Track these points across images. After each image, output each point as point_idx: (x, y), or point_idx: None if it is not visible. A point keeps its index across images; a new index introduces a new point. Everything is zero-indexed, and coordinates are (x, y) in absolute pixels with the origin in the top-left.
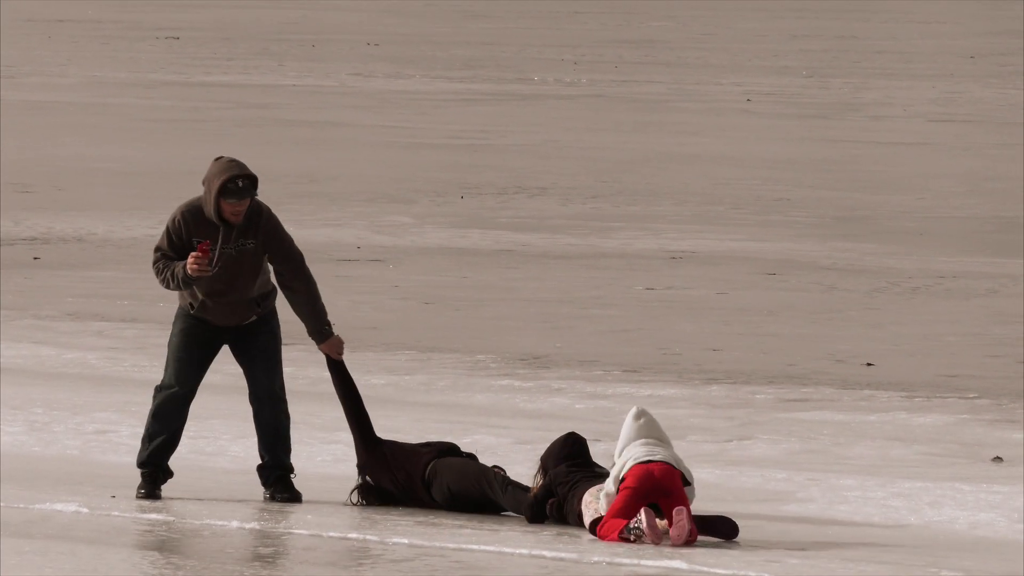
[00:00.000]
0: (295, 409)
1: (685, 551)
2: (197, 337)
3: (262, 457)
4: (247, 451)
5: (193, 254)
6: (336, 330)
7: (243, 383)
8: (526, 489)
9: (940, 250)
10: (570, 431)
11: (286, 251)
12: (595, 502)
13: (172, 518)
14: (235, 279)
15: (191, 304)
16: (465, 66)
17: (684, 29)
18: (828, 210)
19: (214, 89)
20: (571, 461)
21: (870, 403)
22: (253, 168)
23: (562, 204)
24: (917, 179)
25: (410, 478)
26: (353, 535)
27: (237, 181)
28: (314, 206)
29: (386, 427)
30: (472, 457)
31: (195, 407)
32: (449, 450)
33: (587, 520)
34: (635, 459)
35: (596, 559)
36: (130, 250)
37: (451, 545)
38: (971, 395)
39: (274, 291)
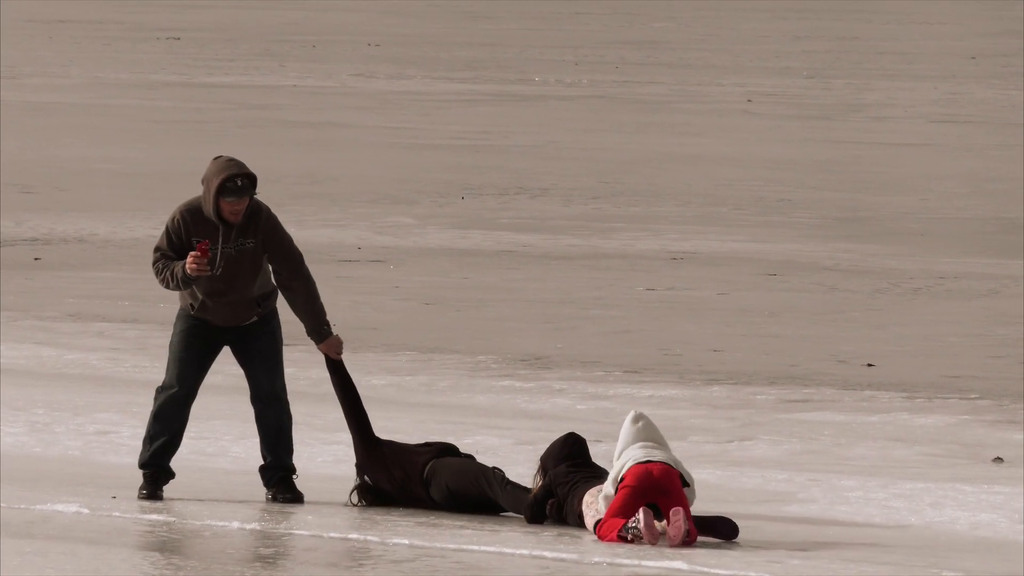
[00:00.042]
0: (296, 410)
1: (686, 552)
2: (198, 338)
3: (264, 458)
4: (248, 452)
5: (192, 253)
6: (337, 331)
7: (244, 384)
8: (526, 489)
9: (942, 251)
10: (570, 431)
11: (285, 250)
12: (596, 503)
13: (173, 519)
14: (235, 279)
15: (192, 305)
16: (467, 67)
17: (686, 30)
18: (830, 211)
19: (216, 90)
20: (571, 461)
21: (871, 404)
22: (254, 168)
23: (564, 205)
24: (919, 180)
25: (408, 478)
26: (354, 536)
27: (236, 180)
28: (315, 207)
29: (387, 428)
30: (470, 458)
31: (196, 408)
32: (448, 450)
33: (588, 521)
34: (634, 460)
35: (597, 559)
36: (131, 251)
37: (452, 546)
38: (972, 396)
39: (275, 291)
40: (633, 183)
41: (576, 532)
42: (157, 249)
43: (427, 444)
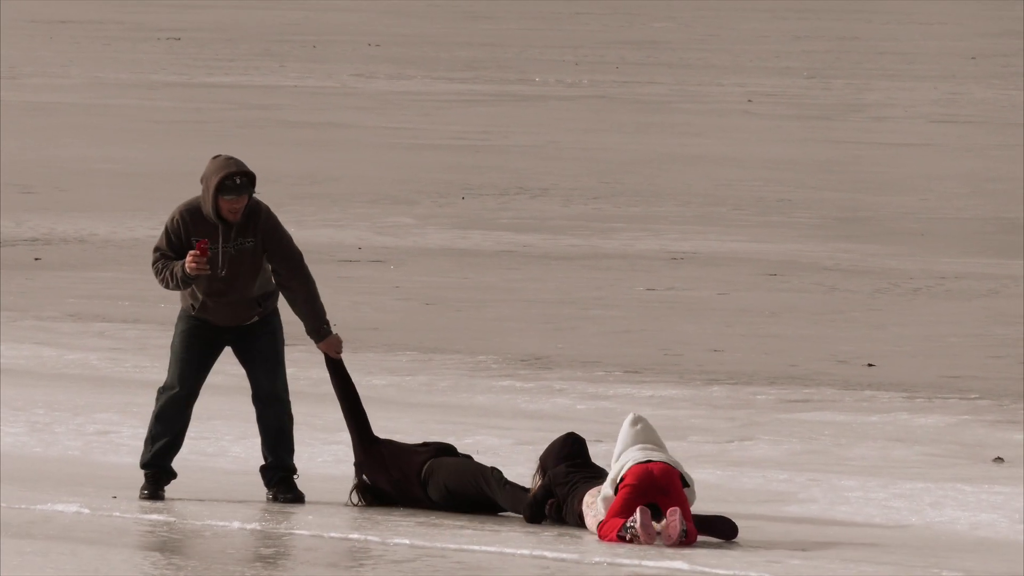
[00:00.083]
0: (296, 410)
1: (686, 551)
2: (199, 338)
3: (265, 458)
4: (248, 452)
5: (191, 252)
6: (337, 330)
7: (244, 384)
8: (524, 489)
9: (942, 251)
10: (569, 431)
11: (284, 249)
12: (595, 503)
13: (173, 519)
14: (235, 279)
15: (192, 305)
16: (467, 67)
17: (686, 30)
18: (830, 211)
19: (216, 90)
20: (570, 461)
21: (871, 404)
22: (254, 168)
23: (564, 205)
24: (919, 180)
25: (406, 477)
26: (354, 536)
27: (235, 178)
28: (315, 207)
29: (388, 428)
30: (468, 457)
31: (196, 408)
32: (445, 450)
33: (589, 521)
34: (634, 460)
35: (597, 560)
36: (132, 251)
37: (452, 546)
38: (972, 396)
39: (276, 292)
40: (633, 183)
41: (576, 532)
42: (157, 249)
43: (425, 444)
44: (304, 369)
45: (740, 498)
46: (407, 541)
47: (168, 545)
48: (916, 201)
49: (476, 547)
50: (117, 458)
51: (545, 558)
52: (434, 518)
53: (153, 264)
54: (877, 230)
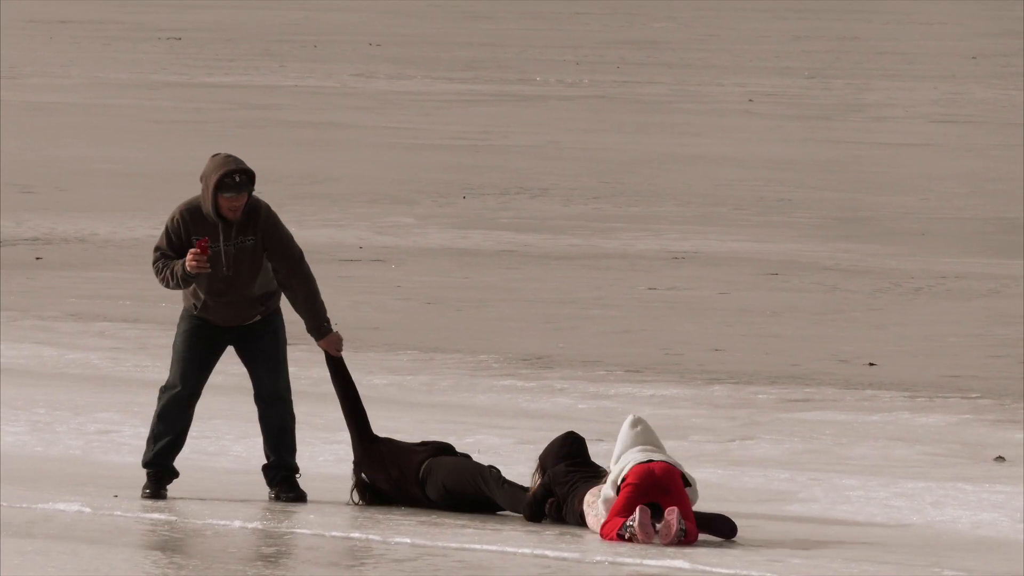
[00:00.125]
0: (297, 409)
1: (688, 550)
2: (201, 338)
3: (267, 457)
4: (249, 451)
5: (192, 251)
6: (338, 329)
7: (245, 383)
8: (523, 488)
9: (942, 251)
10: (569, 430)
11: (284, 247)
12: (597, 501)
13: (175, 518)
14: (235, 277)
15: (194, 305)
16: (467, 67)
17: (686, 30)
18: (830, 211)
19: (216, 90)
20: (570, 461)
21: (872, 403)
22: (255, 168)
23: (564, 205)
24: (919, 180)
25: (404, 476)
26: (355, 535)
27: (234, 176)
28: (316, 207)
29: (389, 428)
30: (467, 457)
31: (198, 407)
32: (443, 449)
33: (590, 521)
34: (635, 461)
35: (599, 559)
36: (132, 251)
37: (453, 545)
38: (973, 395)
39: (278, 291)
40: (634, 183)
41: (577, 531)
42: (157, 248)
43: (423, 443)
44: (305, 368)
45: (741, 497)
46: (408, 540)
47: (169, 544)
48: (916, 201)
49: (477, 546)
50: (118, 457)
51: (547, 557)
52: (435, 517)
53: (154, 263)
54: (877, 230)
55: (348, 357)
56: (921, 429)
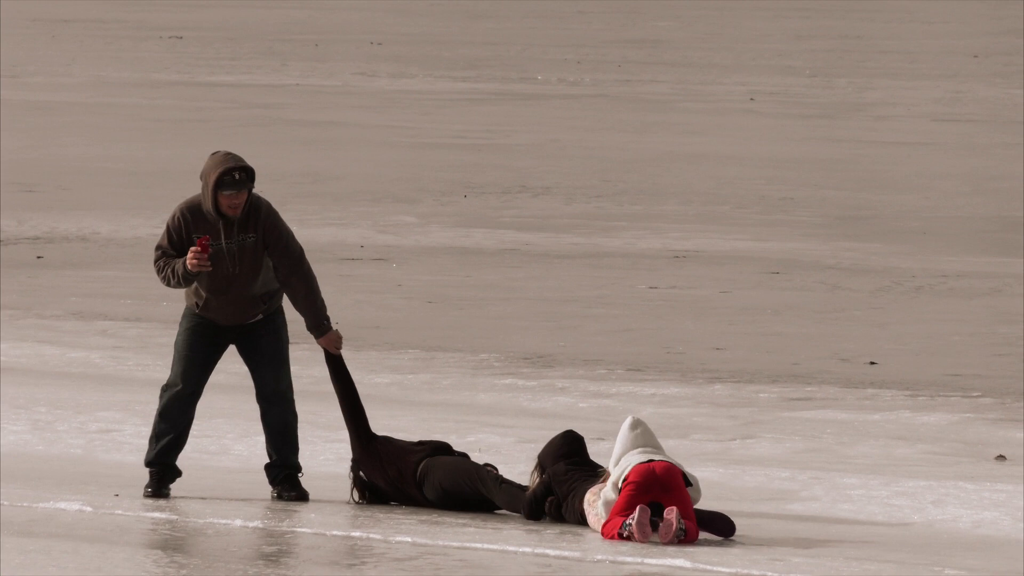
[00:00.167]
0: (298, 408)
1: (689, 549)
2: (202, 336)
3: (270, 456)
4: (250, 450)
5: (192, 249)
6: (339, 328)
7: (246, 382)
8: (521, 487)
9: (944, 250)
10: (568, 429)
11: (285, 245)
12: (597, 500)
13: (176, 517)
14: (237, 275)
15: (196, 303)
16: (469, 66)
17: (688, 29)
18: (832, 210)
19: (218, 89)
20: (569, 459)
21: (874, 402)
22: (257, 167)
23: (566, 203)
24: (921, 179)
25: (402, 476)
26: (356, 533)
27: (233, 173)
28: (318, 205)
29: (390, 426)
30: (464, 456)
31: (199, 406)
32: (441, 448)
33: (591, 520)
34: (636, 462)
35: (599, 557)
36: (134, 249)
37: (454, 544)
38: (975, 394)
39: (280, 290)
40: (635, 182)
41: (578, 530)
42: (158, 247)
43: (421, 443)
44: (306, 367)
45: (742, 496)
46: (409, 539)
47: (170, 543)
48: (918, 200)
49: (478, 545)
50: (119, 456)
51: (547, 556)
52: (436, 516)
53: (155, 262)
54: (879, 229)
55: (349, 356)
56: (922, 428)
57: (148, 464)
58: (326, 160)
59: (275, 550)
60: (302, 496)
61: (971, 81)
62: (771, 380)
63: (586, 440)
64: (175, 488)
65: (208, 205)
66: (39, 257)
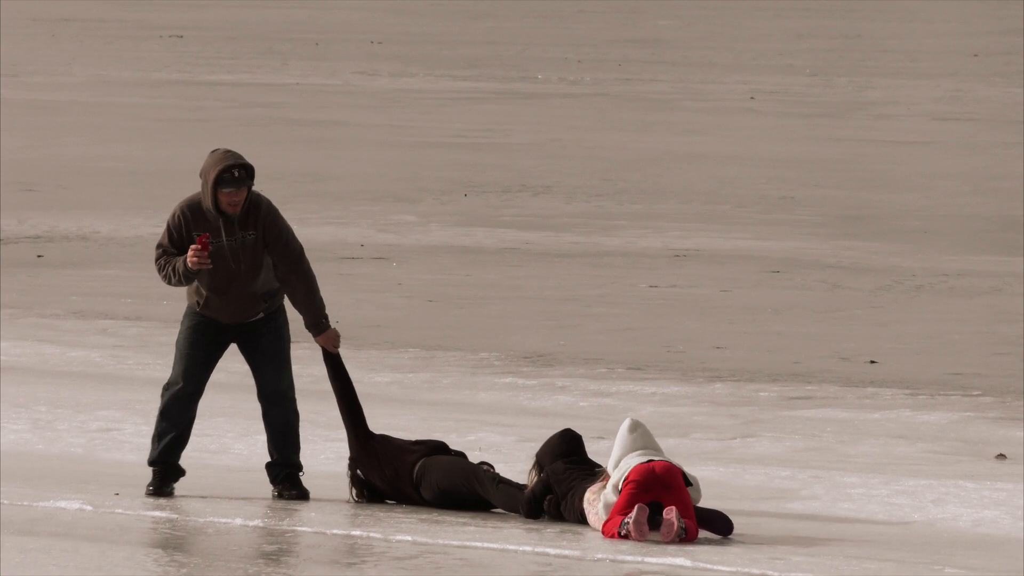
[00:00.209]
0: (300, 407)
1: (689, 548)
2: (204, 335)
3: (271, 455)
4: (251, 449)
5: (193, 247)
6: (339, 327)
7: (246, 381)
8: (519, 486)
9: (944, 249)
10: (566, 428)
11: (284, 243)
12: (597, 500)
13: (176, 516)
14: (238, 273)
15: (198, 302)
16: (469, 65)
17: (688, 28)
18: (832, 209)
19: (218, 88)
20: (567, 458)
21: (874, 401)
22: (257, 166)
23: (566, 202)
24: (921, 178)
25: (399, 476)
26: (357, 532)
27: (233, 171)
28: (318, 205)
29: (390, 425)
30: (461, 455)
31: (200, 405)
32: (437, 448)
33: (592, 520)
34: (636, 463)
35: (599, 556)
36: (134, 248)
37: (454, 542)
38: (975, 393)
39: (281, 289)
40: (636, 181)
41: (578, 529)
42: (159, 246)
43: (418, 442)
44: (306, 366)
45: (743, 495)
46: (409, 538)
47: (171, 542)
48: (919, 199)
49: (478, 544)
50: (120, 455)
51: (547, 555)
52: (436, 515)
53: (156, 260)
54: (880, 228)
55: (349, 355)
56: (922, 427)
57: (151, 463)
58: (326, 159)
59: (275, 549)
60: (303, 495)
61: (971, 80)
62: (771, 379)
63: (586, 439)
64: (175, 487)
65: (208, 203)
66: (39, 256)
